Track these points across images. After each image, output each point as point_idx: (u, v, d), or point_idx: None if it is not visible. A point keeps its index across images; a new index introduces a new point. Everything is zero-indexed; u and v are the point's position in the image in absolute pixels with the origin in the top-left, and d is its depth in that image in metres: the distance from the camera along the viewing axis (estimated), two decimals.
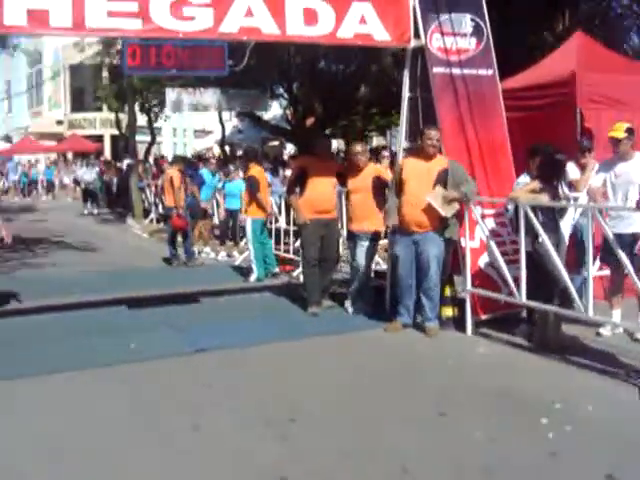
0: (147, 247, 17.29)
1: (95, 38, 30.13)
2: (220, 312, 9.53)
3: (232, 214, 14.09)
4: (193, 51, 7.40)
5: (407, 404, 5.91)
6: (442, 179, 7.96)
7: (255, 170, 11.88)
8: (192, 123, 60.33)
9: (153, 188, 22.66)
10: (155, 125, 34.07)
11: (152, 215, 22.68)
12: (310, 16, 8.11)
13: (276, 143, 43.74)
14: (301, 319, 9.02)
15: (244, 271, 12.54)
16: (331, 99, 25.70)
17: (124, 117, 34.00)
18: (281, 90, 27.54)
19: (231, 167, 14.93)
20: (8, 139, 54.62)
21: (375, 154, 15.54)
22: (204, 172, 15.30)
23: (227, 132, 42.01)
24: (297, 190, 9.43)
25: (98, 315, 9.34)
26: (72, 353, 7.56)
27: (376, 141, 42.98)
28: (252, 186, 11.59)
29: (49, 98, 54.41)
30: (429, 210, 7.92)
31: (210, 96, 25.81)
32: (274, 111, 31.83)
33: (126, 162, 35.43)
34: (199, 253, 14.68)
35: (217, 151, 45.17)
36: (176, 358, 7.35)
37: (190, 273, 13.00)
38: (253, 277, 11.76)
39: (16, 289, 10.91)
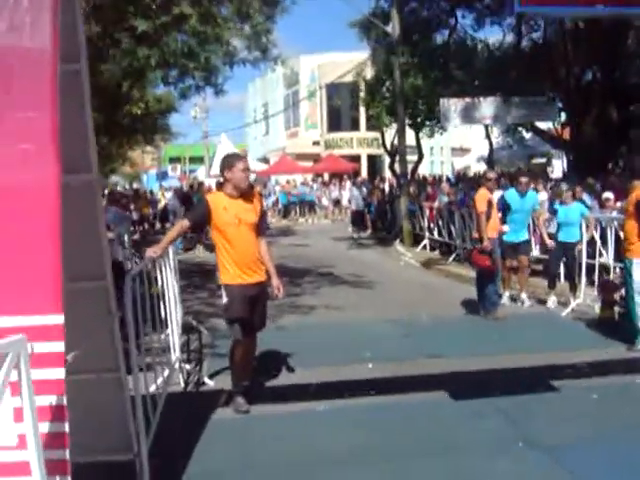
0: (430, 283, 14.21)
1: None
2: (596, 415, 5.98)
3: (566, 248, 10.59)
4: None
5: None
6: None
7: None
8: (449, 140, 57.32)
9: (428, 211, 19.65)
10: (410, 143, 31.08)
11: (425, 242, 19.71)
12: None
13: (543, 160, 39.62)
14: None
15: (588, 330, 9.16)
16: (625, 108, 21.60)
17: (380, 136, 31.59)
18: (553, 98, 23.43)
19: (562, 186, 11.12)
20: (265, 160, 54.75)
21: None
22: (510, 194, 11.47)
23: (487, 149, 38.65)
24: None
25: (409, 408, 6.22)
26: None
27: None
28: None
29: (305, 119, 53.97)
30: None
31: (489, 106, 22.55)
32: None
33: (386, 183, 33.07)
34: (499, 297, 11.03)
35: (476, 169, 41.90)
36: None
37: (513, 330, 9.51)
38: None
39: (286, 346, 8.29)
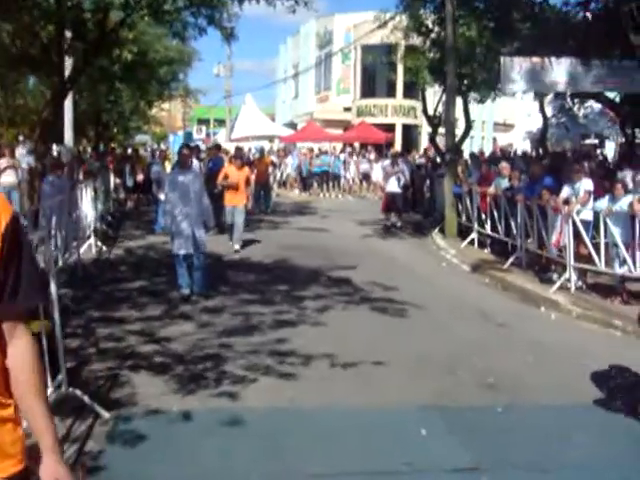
0: (487, 305, 9.88)
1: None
2: None
3: None
4: None
5: None
6: None
7: None
8: (492, 114, 52.37)
9: (479, 197, 15.20)
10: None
11: (473, 236, 15.31)
12: None
13: (595, 141, 34.86)
14: None
15: None
16: None
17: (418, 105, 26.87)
18: None
19: None
20: (293, 125, 50.43)
21: None
22: None
23: (536, 126, 34.02)
24: None
25: None
26: None
27: None
28: None
29: (337, 82, 49.41)
30: None
31: (562, 69, 17.84)
32: None
33: (419, 158, 28.41)
34: None
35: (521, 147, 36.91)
36: None
37: None
38: None
39: None
